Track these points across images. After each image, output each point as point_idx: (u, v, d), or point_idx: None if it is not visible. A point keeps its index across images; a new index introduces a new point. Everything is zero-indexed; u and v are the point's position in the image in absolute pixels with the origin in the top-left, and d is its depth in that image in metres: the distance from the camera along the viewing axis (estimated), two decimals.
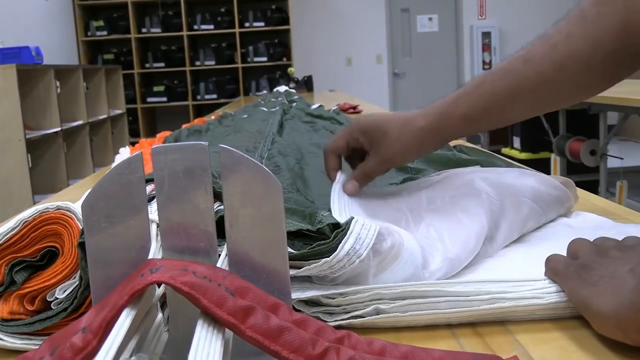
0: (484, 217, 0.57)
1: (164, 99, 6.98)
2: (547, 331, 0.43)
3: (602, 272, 0.42)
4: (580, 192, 0.75)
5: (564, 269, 0.46)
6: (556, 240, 0.58)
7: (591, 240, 0.49)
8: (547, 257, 0.49)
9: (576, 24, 0.59)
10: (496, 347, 0.41)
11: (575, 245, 0.49)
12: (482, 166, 0.76)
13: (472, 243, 0.54)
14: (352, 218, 0.46)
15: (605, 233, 0.50)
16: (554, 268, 0.47)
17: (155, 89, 6.99)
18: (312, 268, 0.45)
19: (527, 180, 0.67)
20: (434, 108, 0.65)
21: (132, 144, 1.50)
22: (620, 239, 0.48)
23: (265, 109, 2.19)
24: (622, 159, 4.23)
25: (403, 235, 0.49)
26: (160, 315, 0.40)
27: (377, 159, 0.66)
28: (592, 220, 0.67)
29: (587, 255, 0.46)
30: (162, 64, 6.98)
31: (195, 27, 6.91)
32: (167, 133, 1.45)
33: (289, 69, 5.99)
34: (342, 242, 0.45)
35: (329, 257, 0.44)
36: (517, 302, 0.44)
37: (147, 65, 7.00)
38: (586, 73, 0.59)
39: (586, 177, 3.90)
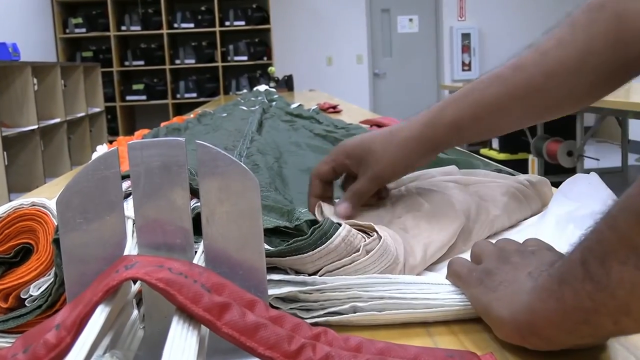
0: (458, 216, 0.58)
1: (144, 97, 6.93)
2: None
3: (502, 277, 0.42)
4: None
5: (467, 274, 0.45)
6: (526, 237, 0.59)
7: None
8: (450, 260, 0.49)
9: (566, 31, 0.57)
10: (470, 345, 0.41)
11: (479, 249, 0.48)
12: (459, 165, 0.77)
13: (447, 239, 0.55)
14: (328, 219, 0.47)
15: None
16: (457, 272, 0.46)
17: (135, 87, 6.94)
18: (315, 253, 0.45)
19: (499, 180, 0.68)
20: (420, 117, 0.63)
21: (111, 142, 1.49)
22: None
23: (244, 107, 2.19)
24: (598, 160, 4.29)
25: (385, 232, 0.49)
26: (135, 312, 0.39)
27: (366, 177, 0.63)
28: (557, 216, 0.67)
29: (489, 261, 0.45)
30: (142, 62, 6.93)
31: (176, 25, 6.87)
32: (145, 131, 1.44)
33: (270, 68, 5.98)
34: (337, 232, 0.46)
35: (308, 252, 0.44)
36: None
37: (127, 63, 6.95)
38: (577, 81, 0.57)
39: (563, 177, 3.92)
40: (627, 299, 0.31)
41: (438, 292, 0.45)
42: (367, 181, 0.63)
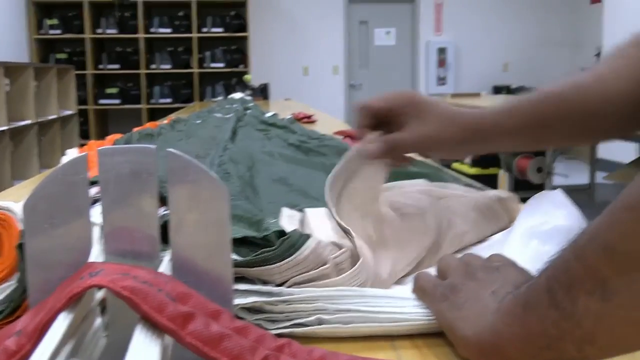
0: (429, 230, 0.59)
1: (117, 101, 6.87)
2: None
3: (467, 295, 0.43)
4: None
5: (432, 289, 0.45)
6: (493, 252, 0.60)
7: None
8: (416, 275, 0.49)
9: (620, 62, 0.59)
10: (433, 359, 0.41)
11: (444, 265, 0.48)
12: (429, 179, 0.78)
13: (416, 254, 0.56)
14: (296, 231, 0.47)
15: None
16: (422, 287, 0.47)
17: (109, 90, 6.87)
18: (283, 264, 0.45)
19: (468, 194, 0.69)
20: (474, 111, 0.63)
21: (82, 145, 1.47)
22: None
23: (219, 115, 2.18)
24: (567, 176, 4.35)
25: (365, 251, 0.50)
26: (99, 319, 0.39)
27: (412, 131, 0.60)
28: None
29: (454, 276, 0.46)
30: (117, 66, 6.87)
31: (152, 29, 6.82)
32: (117, 136, 1.43)
33: (246, 76, 5.98)
34: (306, 244, 0.46)
35: (276, 263, 0.44)
36: None
37: (101, 66, 6.89)
38: (630, 110, 0.58)
39: (532, 193, 3.95)
40: (592, 329, 0.31)
41: (404, 306, 0.46)
42: (413, 137, 0.61)
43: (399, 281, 0.55)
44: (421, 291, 0.47)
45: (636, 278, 0.28)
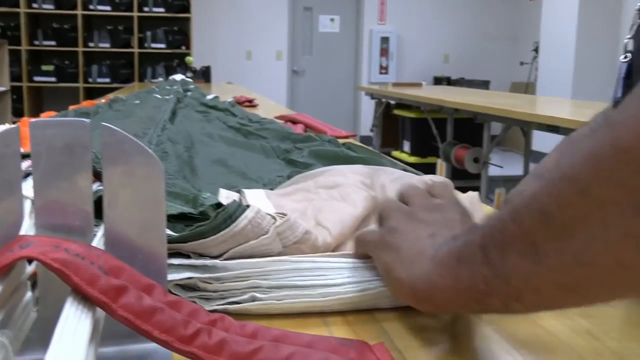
0: (361, 204, 0.59)
1: (53, 79, 6.67)
2: (414, 320, 0.45)
3: (405, 236, 0.43)
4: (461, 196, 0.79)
5: (371, 236, 0.46)
6: None
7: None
8: (356, 234, 0.50)
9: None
10: (364, 335, 0.43)
11: (383, 209, 0.48)
12: (368, 164, 0.79)
13: (360, 212, 0.56)
14: (235, 201, 0.47)
15: None
16: (361, 237, 0.47)
17: (44, 67, 6.67)
18: (218, 237, 0.45)
19: (404, 177, 0.70)
20: None
21: (14, 123, 1.43)
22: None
23: (159, 96, 2.15)
24: (502, 167, 4.47)
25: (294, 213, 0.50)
26: (29, 293, 0.38)
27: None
28: None
29: (394, 219, 0.46)
30: (53, 42, 6.66)
31: (91, 6, 6.64)
32: (52, 113, 1.39)
33: (187, 58, 5.89)
34: (244, 214, 0.45)
35: (211, 236, 0.44)
36: (384, 288, 0.46)
37: (37, 42, 6.67)
38: None
39: (469, 183, 4.08)
40: (519, 288, 0.33)
41: (336, 277, 0.46)
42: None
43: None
44: (360, 240, 0.48)
45: (566, 245, 0.30)
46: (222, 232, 0.45)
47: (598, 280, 0.29)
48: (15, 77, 6.31)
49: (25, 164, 0.45)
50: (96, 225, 0.39)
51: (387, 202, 0.50)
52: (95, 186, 0.48)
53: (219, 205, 0.50)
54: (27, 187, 0.42)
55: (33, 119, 0.44)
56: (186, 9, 6.76)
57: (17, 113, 6.22)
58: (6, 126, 1.15)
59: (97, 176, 0.46)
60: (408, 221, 0.45)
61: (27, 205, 0.42)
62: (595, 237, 0.28)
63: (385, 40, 7.85)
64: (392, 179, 0.70)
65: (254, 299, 0.45)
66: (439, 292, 0.38)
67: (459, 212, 0.46)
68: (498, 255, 0.34)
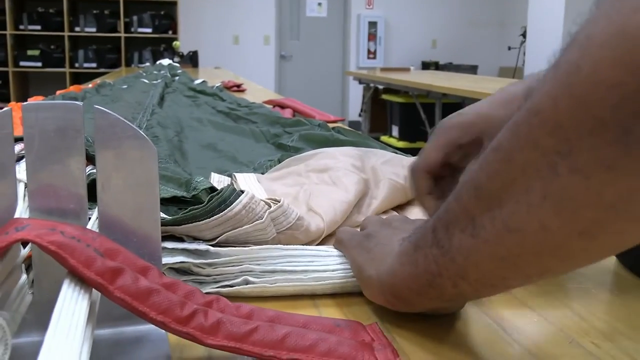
0: (352, 188, 0.60)
1: (39, 64, 6.60)
2: None
3: (379, 239, 0.44)
4: None
5: (349, 238, 0.47)
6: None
7: None
8: (338, 229, 0.51)
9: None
10: (353, 317, 0.43)
11: (366, 220, 0.50)
12: (357, 147, 0.79)
13: (352, 197, 0.57)
14: (230, 186, 0.47)
15: None
16: (340, 238, 0.49)
17: (30, 52, 6.59)
18: (212, 221, 0.45)
19: (394, 159, 0.71)
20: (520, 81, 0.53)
21: (1, 109, 1.42)
22: None
23: (146, 80, 2.14)
24: None
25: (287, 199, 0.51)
26: (24, 276, 0.39)
27: None
28: None
29: (371, 226, 0.47)
30: (39, 27, 6.58)
31: None
32: (39, 98, 1.38)
33: (174, 43, 5.86)
34: (238, 199, 0.46)
35: (205, 219, 0.44)
36: None
37: (22, 27, 6.58)
38: None
39: None
40: (463, 264, 0.34)
41: (328, 264, 0.47)
42: None
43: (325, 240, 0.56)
44: (339, 241, 0.49)
45: (497, 214, 0.30)
46: (216, 216, 0.45)
47: (527, 247, 0.30)
48: (0, 62, 6.24)
49: (18, 147, 0.45)
50: (90, 209, 0.39)
51: (370, 216, 0.51)
52: (88, 169, 0.48)
53: (212, 189, 0.51)
54: (21, 171, 0.42)
55: (24, 103, 0.43)
56: None
57: (4, 98, 6.17)
58: None
59: (89, 159, 0.46)
60: (383, 228, 0.46)
61: (21, 189, 0.42)
62: (519, 201, 0.29)
63: (373, 25, 7.83)
64: (383, 161, 0.70)
65: (247, 282, 0.46)
66: (400, 282, 0.39)
67: None
68: (445, 235, 0.35)
